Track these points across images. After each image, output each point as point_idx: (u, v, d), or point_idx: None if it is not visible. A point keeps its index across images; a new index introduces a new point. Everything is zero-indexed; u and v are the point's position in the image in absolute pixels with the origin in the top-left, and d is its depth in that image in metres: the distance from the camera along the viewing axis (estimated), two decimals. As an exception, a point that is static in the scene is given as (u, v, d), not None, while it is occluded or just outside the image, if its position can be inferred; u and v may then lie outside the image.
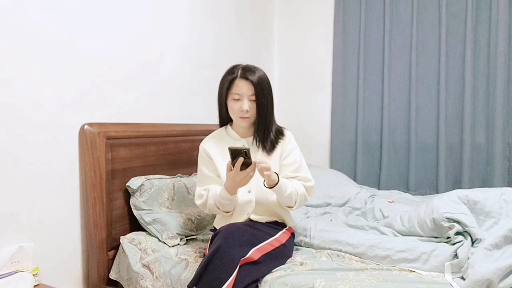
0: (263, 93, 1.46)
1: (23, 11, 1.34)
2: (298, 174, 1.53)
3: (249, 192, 1.50)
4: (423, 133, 2.85)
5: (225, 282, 1.16)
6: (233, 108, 1.47)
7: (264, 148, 1.52)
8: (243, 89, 1.44)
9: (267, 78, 1.50)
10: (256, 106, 1.47)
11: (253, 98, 1.45)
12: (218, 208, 1.46)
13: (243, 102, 1.44)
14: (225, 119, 1.58)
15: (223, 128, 1.61)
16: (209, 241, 1.49)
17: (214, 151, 1.54)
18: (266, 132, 1.52)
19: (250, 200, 1.49)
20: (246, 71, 1.45)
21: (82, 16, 1.57)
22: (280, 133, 1.57)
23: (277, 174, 1.40)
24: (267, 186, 1.39)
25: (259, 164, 1.31)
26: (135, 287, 1.51)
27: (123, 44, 1.78)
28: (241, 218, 1.49)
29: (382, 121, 2.95)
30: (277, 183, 1.38)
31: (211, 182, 1.52)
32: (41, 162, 1.43)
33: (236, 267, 1.19)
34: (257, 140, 1.53)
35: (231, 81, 1.45)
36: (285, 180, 1.46)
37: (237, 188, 1.38)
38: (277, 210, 1.53)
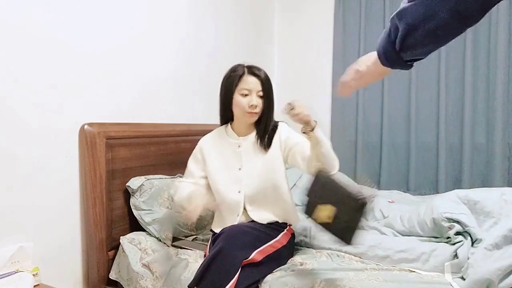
0: (269, 89, 1.49)
1: (24, 11, 1.34)
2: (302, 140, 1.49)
3: (238, 192, 1.51)
4: (423, 133, 2.85)
5: (226, 285, 1.16)
6: (241, 103, 1.45)
7: (262, 143, 1.52)
8: (252, 84, 1.45)
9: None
10: (263, 102, 1.48)
11: (261, 94, 1.47)
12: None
13: (252, 97, 1.45)
14: (226, 118, 1.58)
15: (223, 126, 1.62)
16: (209, 242, 1.49)
17: (210, 151, 1.56)
18: (267, 127, 1.52)
19: (238, 201, 1.50)
20: (253, 68, 1.47)
21: (82, 16, 1.57)
22: (274, 127, 1.56)
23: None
24: (305, 132, 1.32)
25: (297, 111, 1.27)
26: (135, 287, 1.51)
27: (122, 44, 1.78)
28: (231, 218, 1.50)
29: (382, 121, 2.95)
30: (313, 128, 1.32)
31: (189, 177, 1.57)
32: (41, 162, 1.43)
33: (238, 270, 1.19)
34: (259, 137, 1.53)
35: (240, 77, 1.46)
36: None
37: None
38: (279, 206, 1.52)
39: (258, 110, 1.47)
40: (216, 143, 1.57)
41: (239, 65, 1.50)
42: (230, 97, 1.48)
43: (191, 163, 1.60)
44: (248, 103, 1.44)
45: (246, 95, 1.45)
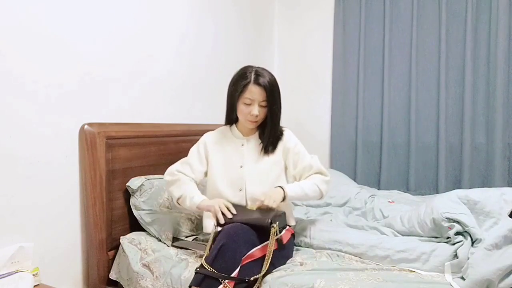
0: (274, 99, 1.50)
1: (24, 10, 1.34)
2: (303, 166, 1.58)
3: (240, 190, 1.53)
4: (423, 133, 2.85)
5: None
6: (243, 111, 1.50)
7: (266, 150, 1.56)
8: (255, 94, 1.47)
9: (277, 82, 1.53)
10: (266, 112, 1.51)
11: (264, 104, 1.49)
12: (178, 202, 1.53)
13: (254, 107, 1.48)
14: (231, 119, 1.62)
15: (228, 126, 1.65)
16: (210, 241, 1.49)
17: (213, 147, 1.59)
18: (271, 136, 1.56)
19: (240, 199, 1.53)
20: (259, 76, 1.48)
21: (82, 15, 1.57)
22: (280, 133, 1.60)
23: (282, 188, 1.45)
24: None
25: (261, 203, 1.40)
26: (135, 287, 1.51)
27: (122, 44, 1.78)
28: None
29: (382, 121, 2.95)
30: (284, 198, 1.43)
31: (188, 169, 1.58)
32: (41, 162, 1.43)
33: (238, 266, 1.21)
34: (261, 142, 1.57)
35: (245, 86, 1.47)
36: (293, 186, 1.49)
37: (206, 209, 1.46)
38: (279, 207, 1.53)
39: (258, 119, 1.51)
40: (220, 140, 1.61)
41: (247, 69, 1.51)
42: (234, 103, 1.53)
43: (194, 156, 1.60)
44: (249, 112, 1.48)
45: (249, 104, 1.48)
